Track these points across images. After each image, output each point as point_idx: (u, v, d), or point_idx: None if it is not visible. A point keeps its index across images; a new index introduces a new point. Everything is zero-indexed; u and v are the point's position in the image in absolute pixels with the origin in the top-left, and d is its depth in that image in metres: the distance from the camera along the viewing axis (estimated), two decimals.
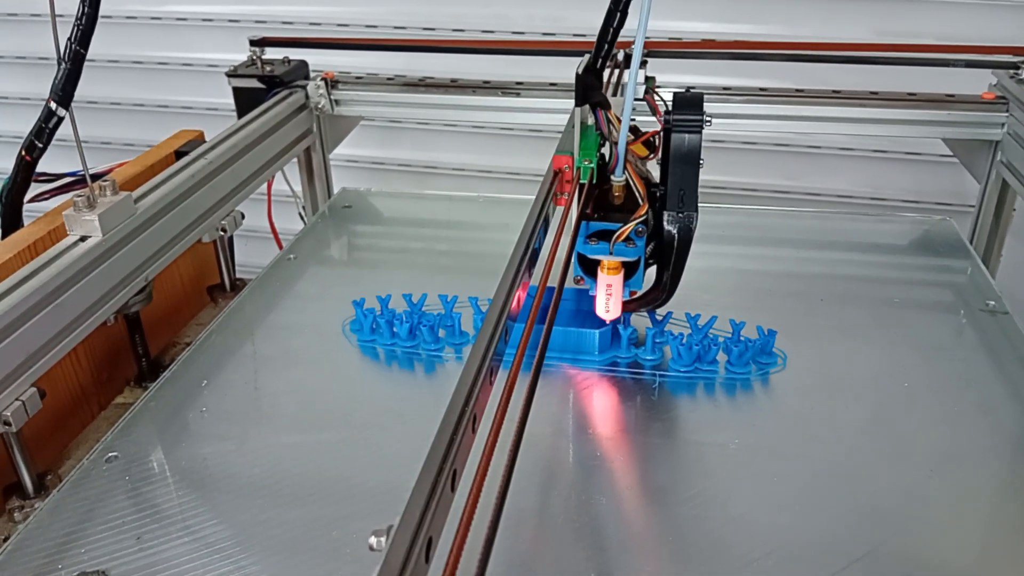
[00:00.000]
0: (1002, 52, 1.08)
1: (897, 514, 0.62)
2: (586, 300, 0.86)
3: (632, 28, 1.72)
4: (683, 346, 0.78)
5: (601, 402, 0.76)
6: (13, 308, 0.66)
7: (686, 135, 0.68)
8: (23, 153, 0.80)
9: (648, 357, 0.80)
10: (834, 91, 1.11)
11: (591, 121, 0.73)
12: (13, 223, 0.84)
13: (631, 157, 0.73)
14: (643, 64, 1.10)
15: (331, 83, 1.16)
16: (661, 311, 0.83)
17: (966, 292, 0.92)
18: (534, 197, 0.69)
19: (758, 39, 1.62)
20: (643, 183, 0.72)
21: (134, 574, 0.57)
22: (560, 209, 0.71)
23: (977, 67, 1.09)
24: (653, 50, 1.13)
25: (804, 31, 1.58)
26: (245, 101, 1.15)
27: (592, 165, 0.70)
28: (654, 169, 0.76)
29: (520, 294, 0.59)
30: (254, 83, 1.15)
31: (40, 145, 0.79)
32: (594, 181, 0.71)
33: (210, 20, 1.81)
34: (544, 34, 1.73)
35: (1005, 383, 0.76)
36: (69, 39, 0.72)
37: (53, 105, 0.75)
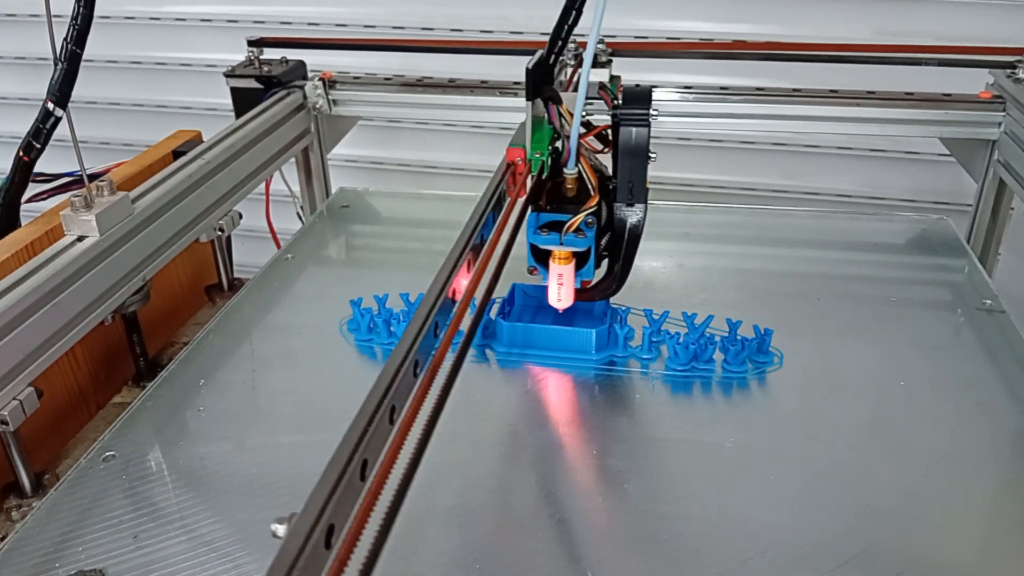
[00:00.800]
0: (999, 52, 1.08)
1: (894, 513, 0.62)
2: (584, 302, 0.86)
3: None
4: (679, 345, 0.78)
5: (595, 401, 0.76)
6: (10, 308, 0.67)
7: (634, 128, 0.70)
8: (21, 154, 0.80)
9: (644, 356, 0.80)
10: (832, 91, 1.11)
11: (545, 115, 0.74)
12: (10, 223, 0.84)
13: (585, 151, 0.74)
14: (608, 63, 1.11)
15: (329, 83, 1.16)
16: (658, 310, 0.83)
17: (963, 291, 0.92)
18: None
19: (757, 39, 1.62)
20: (596, 176, 0.74)
21: (131, 573, 0.57)
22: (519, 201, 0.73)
23: (974, 67, 1.09)
24: (617, 49, 1.14)
25: (804, 31, 1.58)
26: (243, 101, 1.15)
27: (543, 158, 0.71)
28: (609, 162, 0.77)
29: (458, 283, 0.59)
30: (252, 83, 1.15)
31: (38, 145, 0.79)
32: (546, 174, 0.73)
33: (208, 20, 1.81)
34: (543, 34, 1.73)
35: (1002, 382, 0.76)
36: (65, 39, 0.72)
37: (50, 106, 0.75)
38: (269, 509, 0.63)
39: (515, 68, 1.51)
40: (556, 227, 0.73)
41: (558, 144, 0.75)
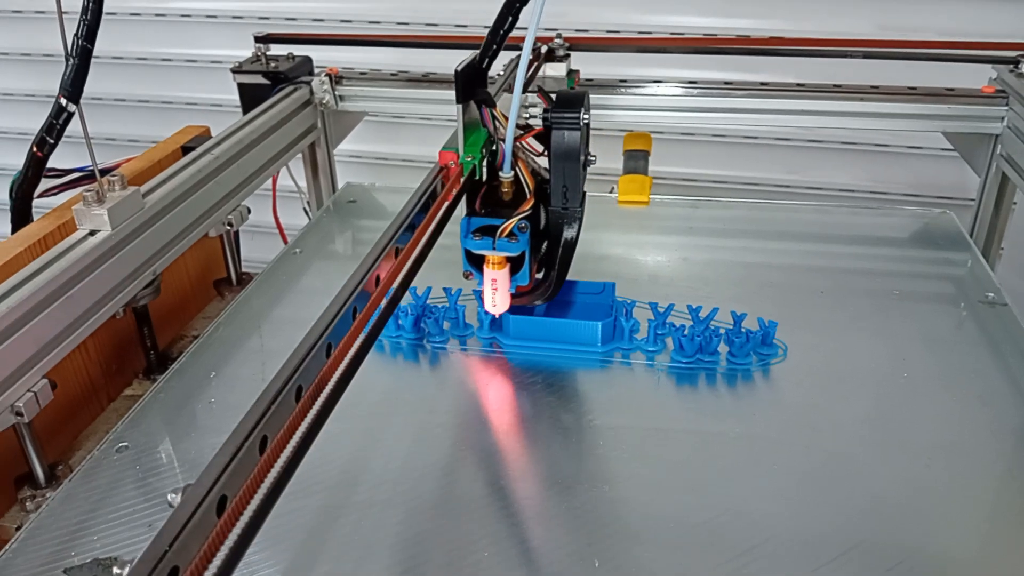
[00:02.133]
0: (1002, 47, 1.08)
1: (895, 504, 0.63)
2: (589, 293, 0.87)
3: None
4: (684, 337, 0.79)
5: (601, 392, 0.77)
6: (24, 301, 0.67)
7: (565, 132, 0.70)
8: (34, 149, 0.81)
9: (650, 348, 0.81)
10: (835, 85, 1.11)
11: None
12: (23, 218, 0.85)
13: (523, 153, 0.74)
14: (566, 57, 1.10)
15: (335, 79, 1.17)
16: (663, 303, 0.84)
17: (966, 284, 0.93)
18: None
19: (760, 34, 1.63)
20: (534, 179, 0.73)
21: None
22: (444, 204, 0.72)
23: (977, 62, 1.09)
24: (575, 43, 1.14)
25: (807, 26, 1.58)
26: (250, 97, 1.16)
27: (475, 161, 0.70)
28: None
29: (376, 278, 0.59)
30: (259, 79, 1.16)
31: (51, 141, 0.80)
32: (481, 177, 0.72)
33: (214, 16, 1.82)
34: (546, 29, 1.74)
35: (1004, 374, 0.77)
36: (76, 34, 0.73)
37: (63, 100, 0.76)
38: (280, 499, 0.64)
39: None
40: (490, 231, 0.72)
41: (495, 147, 0.74)
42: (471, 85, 0.70)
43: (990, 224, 1.10)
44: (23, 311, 0.67)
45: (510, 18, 0.71)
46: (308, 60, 1.21)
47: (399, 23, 1.76)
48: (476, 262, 0.75)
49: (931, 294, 0.92)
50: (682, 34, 1.71)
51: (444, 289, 0.87)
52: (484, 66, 0.71)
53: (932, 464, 0.67)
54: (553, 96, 0.73)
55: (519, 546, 0.60)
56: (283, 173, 1.15)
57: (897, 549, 0.59)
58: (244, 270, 1.08)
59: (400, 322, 0.84)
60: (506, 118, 0.69)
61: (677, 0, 1.66)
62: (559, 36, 1.13)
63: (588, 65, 1.44)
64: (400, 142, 1.81)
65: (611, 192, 1.23)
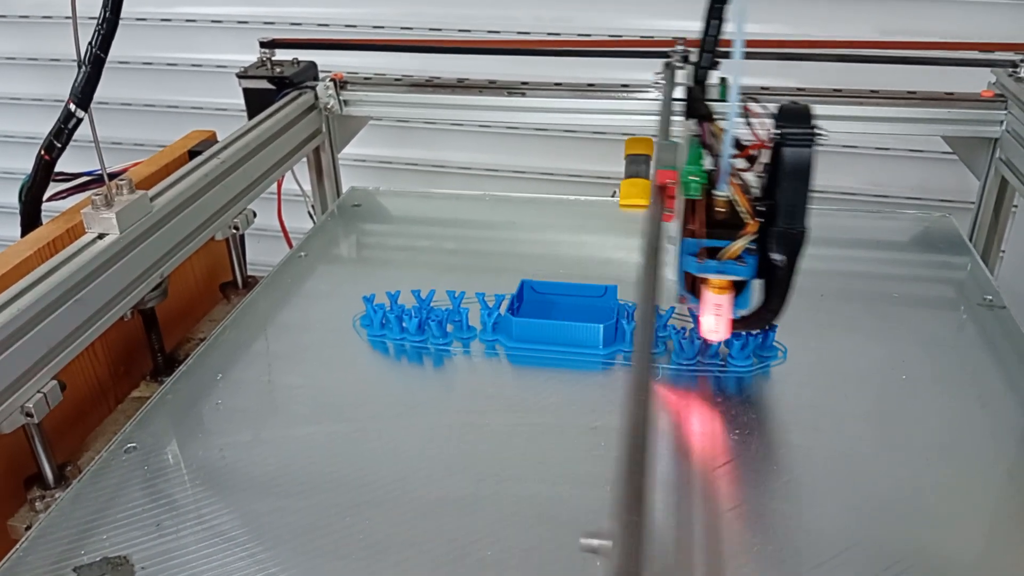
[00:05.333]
0: (1001, 49, 1.09)
1: (895, 504, 0.64)
2: (590, 296, 0.88)
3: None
4: (686, 340, 0.80)
5: (603, 395, 0.77)
6: (34, 303, 0.69)
7: (798, 148, 0.65)
8: (43, 153, 0.82)
9: (651, 351, 0.82)
10: (836, 89, 1.12)
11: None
12: (32, 221, 0.86)
13: (732, 170, 0.70)
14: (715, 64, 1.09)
15: (340, 84, 1.18)
16: (664, 306, 0.85)
17: (965, 287, 0.93)
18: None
19: (761, 38, 1.64)
20: (746, 198, 0.68)
21: (154, 560, 0.59)
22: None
23: (976, 65, 1.10)
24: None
25: (808, 30, 1.59)
26: (256, 102, 1.17)
27: (702, 180, 0.67)
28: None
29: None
30: (264, 84, 1.17)
31: (59, 145, 0.81)
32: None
33: (219, 22, 1.83)
34: (550, 34, 1.75)
35: (1003, 376, 0.78)
36: (90, 43, 0.74)
37: (72, 107, 0.77)
38: (286, 499, 0.65)
39: (522, 68, 1.54)
40: (710, 253, 0.68)
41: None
42: (694, 100, 0.69)
43: (990, 227, 1.11)
44: (33, 313, 0.69)
45: (716, 21, 0.69)
46: (313, 65, 1.22)
47: (403, 28, 1.77)
48: (691, 285, 0.71)
49: (930, 297, 0.92)
50: (684, 38, 1.73)
51: (448, 292, 0.88)
52: (702, 77, 0.70)
53: (931, 465, 0.68)
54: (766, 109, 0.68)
55: (522, 546, 0.60)
56: (288, 177, 1.16)
57: (896, 549, 0.60)
58: (250, 273, 1.09)
59: (404, 325, 0.85)
60: (722, 132, 0.66)
61: (675, 4, 1.67)
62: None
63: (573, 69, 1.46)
64: (403, 146, 1.82)
65: (612, 196, 1.24)
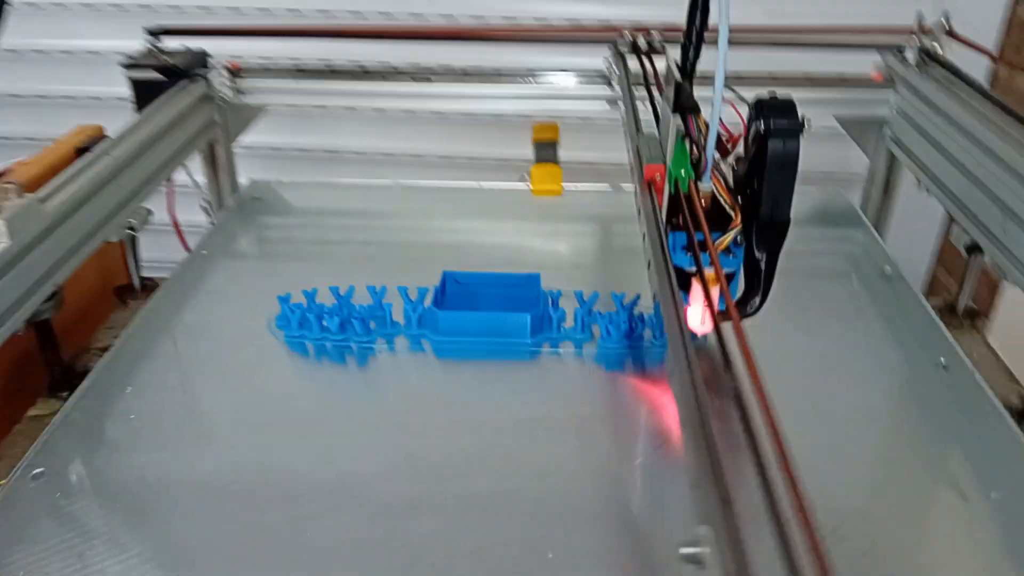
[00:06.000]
0: (886, 32, 1.14)
1: (823, 471, 0.66)
2: (514, 285, 0.87)
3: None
4: (612, 325, 0.80)
5: (536, 384, 0.77)
6: None
7: (784, 140, 0.65)
8: None
9: (578, 336, 0.82)
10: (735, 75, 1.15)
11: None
12: None
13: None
14: (663, 51, 1.08)
15: (235, 72, 1.12)
16: (587, 292, 0.85)
17: (862, 260, 0.98)
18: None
19: (655, 23, 1.66)
20: (727, 190, 0.69)
21: None
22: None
23: (863, 48, 1.15)
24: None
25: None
26: (145, 93, 1.10)
27: (690, 175, 0.67)
28: None
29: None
30: (154, 75, 1.10)
31: None
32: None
33: (90, 5, 1.72)
34: (442, 15, 1.73)
35: (899, 344, 0.82)
36: None
37: None
38: (218, 517, 0.61)
39: (418, 52, 1.51)
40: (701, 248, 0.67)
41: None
42: (681, 93, 0.67)
43: (880, 203, 1.17)
44: None
45: (699, 12, 0.67)
46: (203, 53, 1.16)
47: (290, 9, 1.71)
48: (681, 280, 0.69)
49: (831, 269, 0.96)
50: (578, 21, 1.73)
51: (368, 288, 0.85)
52: (689, 70, 0.68)
53: (850, 430, 0.71)
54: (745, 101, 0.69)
55: (472, 545, 0.59)
56: (179, 170, 1.10)
57: (830, 514, 0.62)
58: (146, 275, 1.03)
59: (325, 323, 0.82)
60: (706, 126, 0.66)
61: None
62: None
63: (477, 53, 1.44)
64: (295, 132, 1.76)
65: (520, 181, 1.23)
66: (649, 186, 0.72)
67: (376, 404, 0.75)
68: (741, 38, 1.18)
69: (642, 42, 1.11)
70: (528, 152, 1.26)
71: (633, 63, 1.06)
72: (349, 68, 1.15)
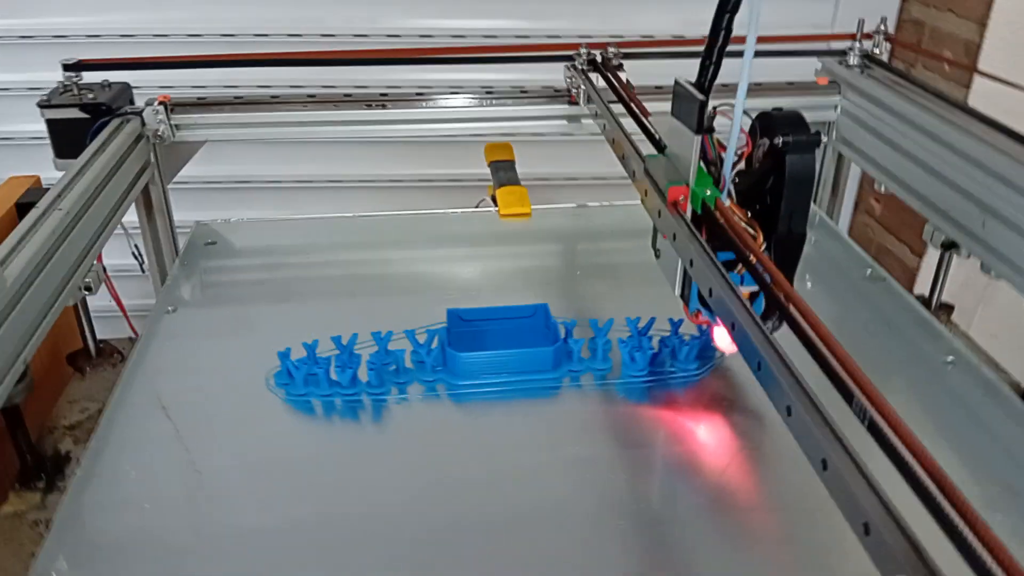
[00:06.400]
0: (827, 39, 1.18)
1: None
2: (522, 317, 0.84)
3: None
4: (637, 351, 0.78)
5: (573, 421, 0.74)
6: None
7: (802, 155, 0.65)
8: None
9: (599, 367, 0.79)
10: (656, 87, 1.14)
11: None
12: None
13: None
14: (620, 67, 1.07)
15: (170, 107, 1.03)
16: (602, 319, 0.82)
17: (841, 264, 1.00)
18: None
19: (572, 34, 1.66)
20: (743, 210, 0.68)
21: None
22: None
23: (805, 55, 1.18)
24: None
25: (617, 25, 1.64)
26: (64, 134, 1.00)
27: (717, 194, 0.66)
28: None
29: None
30: (76, 113, 1.00)
31: None
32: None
33: None
34: (356, 36, 1.66)
35: (904, 344, 0.84)
36: None
37: None
38: None
39: (357, 74, 1.44)
40: (728, 267, 0.66)
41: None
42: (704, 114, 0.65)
43: (830, 203, 1.21)
44: None
45: (723, 31, 0.66)
46: (127, 87, 1.06)
47: (191, 35, 1.60)
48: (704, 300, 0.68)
49: (816, 275, 0.98)
50: (495, 37, 1.71)
51: (372, 335, 0.79)
52: (707, 87, 0.66)
53: None
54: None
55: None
56: None
57: None
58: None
59: (335, 378, 0.76)
60: (722, 145, 0.65)
61: (488, 7, 1.66)
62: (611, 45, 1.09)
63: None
64: (212, 163, 1.65)
65: (478, 207, 1.20)
66: (674, 206, 0.71)
67: (411, 465, 0.69)
68: (681, 50, 1.19)
69: (599, 57, 1.10)
70: (482, 170, 1.23)
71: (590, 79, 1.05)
72: (297, 97, 1.08)
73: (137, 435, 0.71)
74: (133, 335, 1.39)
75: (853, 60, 1.13)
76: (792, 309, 0.56)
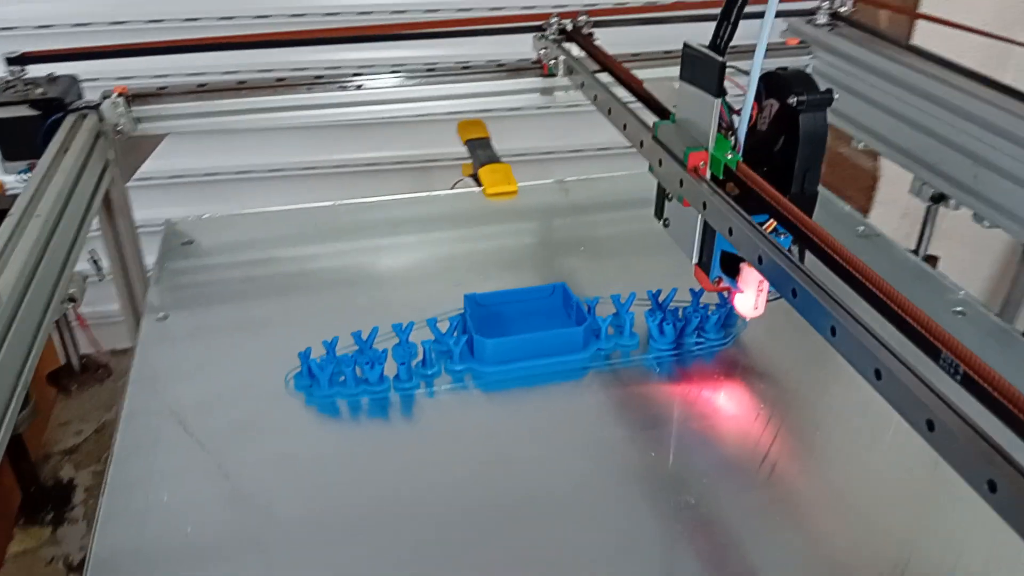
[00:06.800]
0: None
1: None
2: (541, 298, 0.82)
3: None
4: (667, 324, 0.77)
5: (610, 400, 0.72)
6: None
7: (815, 114, 0.64)
8: None
9: (626, 343, 0.78)
10: (633, 54, 1.13)
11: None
12: None
13: None
14: (590, 36, 1.04)
15: (130, 98, 0.96)
16: (621, 294, 0.80)
17: (831, 222, 1.00)
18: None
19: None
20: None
21: None
22: None
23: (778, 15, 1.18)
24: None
25: None
26: (13, 135, 0.92)
27: (737, 158, 0.66)
28: None
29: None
30: (25, 110, 0.92)
31: None
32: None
33: None
34: (293, 16, 1.59)
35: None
36: None
37: None
38: None
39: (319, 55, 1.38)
40: None
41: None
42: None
43: None
44: None
45: None
46: (74, 80, 0.98)
47: (113, 23, 1.50)
48: (728, 266, 0.69)
49: None
50: (437, 11, 1.66)
51: (393, 327, 0.76)
52: (723, 48, 0.65)
53: None
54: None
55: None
56: None
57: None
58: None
59: (363, 375, 0.72)
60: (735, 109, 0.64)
61: None
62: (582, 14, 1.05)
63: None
64: (183, 156, 1.55)
65: (454, 187, 1.17)
66: (695, 172, 0.70)
67: (446, 455, 0.67)
68: (654, 16, 1.18)
69: (571, 26, 1.08)
70: (456, 148, 1.20)
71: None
72: (263, 81, 1.01)
73: (159, 455, 0.65)
74: (97, 348, 1.31)
75: (822, 19, 1.14)
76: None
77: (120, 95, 0.95)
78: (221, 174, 1.64)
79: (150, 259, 0.97)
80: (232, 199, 1.64)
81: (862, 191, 1.75)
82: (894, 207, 1.74)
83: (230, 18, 1.47)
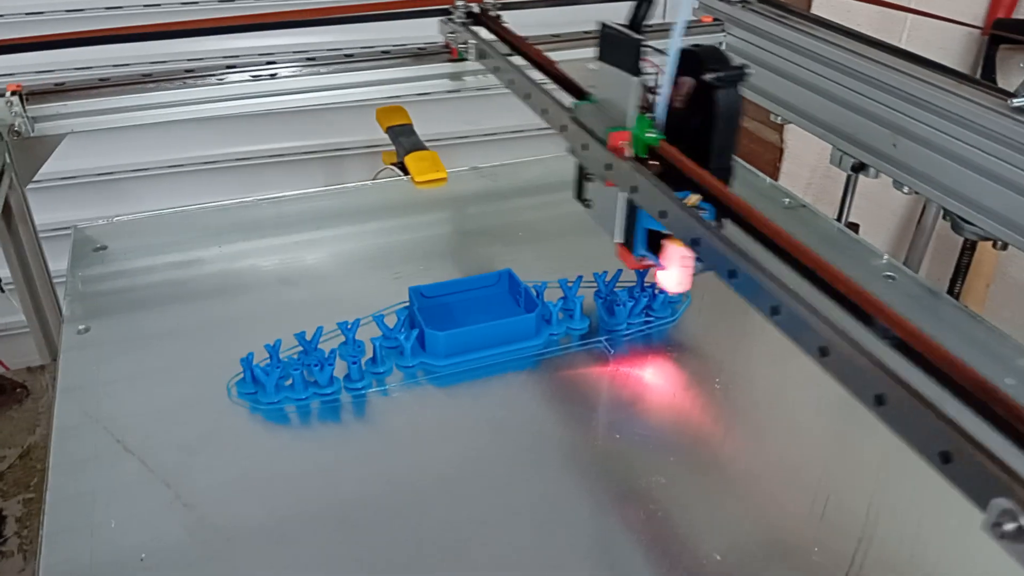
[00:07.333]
0: None
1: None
2: (487, 287, 0.80)
3: None
4: (619, 306, 0.77)
5: (578, 385, 0.72)
6: None
7: (729, 90, 0.64)
8: None
9: (576, 327, 0.77)
10: (554, 35, 1.12)
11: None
12: None
13: None
14: (497, 19, 1.01)
15: (25, 97, 0.89)
16: (572, 276, 0.80)
17: (756, 198, 1.02)
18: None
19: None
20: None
21: None
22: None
23: None
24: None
25: None
26: None
27: (660, 137, 0.65)
28: None
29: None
30: None
31: None
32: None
33: None
34: (184, 4, 1.51)
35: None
36: None
37: None
38: None
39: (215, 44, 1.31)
40: None
41: None
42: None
43: None
44: None
45: None
46: None
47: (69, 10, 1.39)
48: (652, 243, 0.68)
49: None
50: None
51: (339, 324, 0.73)
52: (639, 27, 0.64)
53: None
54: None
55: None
56: None
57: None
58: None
59: (310, 377, 0.69)
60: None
61: None
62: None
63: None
64: (83, 156, 1.45)
65: (376, 177, 1.14)
66: (617, 151, 0.69)
67: (407, 455, 0.65)
68: None
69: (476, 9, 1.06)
70: (368, 135, 1.16)
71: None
72: (170, 73, 0.96)
73: (100, 476, 0.61)
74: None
75: None
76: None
77: (14, 93, 0.88)
78: (118, 172, 1.55)
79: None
80: (132, 199, 1.55)
81: (768, 164, 1.80)
82: (798, 178, 1.80)
83: (117, 8, 1.38)
